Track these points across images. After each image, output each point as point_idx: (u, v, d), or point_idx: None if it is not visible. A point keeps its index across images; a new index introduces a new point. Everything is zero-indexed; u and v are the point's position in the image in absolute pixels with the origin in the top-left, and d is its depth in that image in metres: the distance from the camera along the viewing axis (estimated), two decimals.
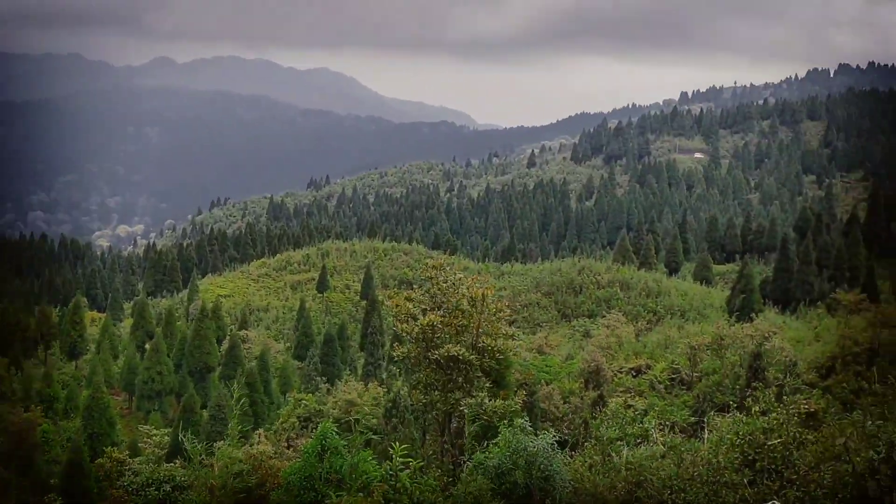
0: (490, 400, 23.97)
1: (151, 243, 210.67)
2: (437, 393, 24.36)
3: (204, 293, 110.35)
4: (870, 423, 14.41)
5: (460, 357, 23.64)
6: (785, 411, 15.90)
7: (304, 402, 41.71)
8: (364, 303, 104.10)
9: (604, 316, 70.88)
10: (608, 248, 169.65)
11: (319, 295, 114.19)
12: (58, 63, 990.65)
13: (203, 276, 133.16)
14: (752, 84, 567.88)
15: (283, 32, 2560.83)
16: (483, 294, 24.77)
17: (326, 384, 54.88)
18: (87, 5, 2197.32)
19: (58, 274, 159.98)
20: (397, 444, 17.99)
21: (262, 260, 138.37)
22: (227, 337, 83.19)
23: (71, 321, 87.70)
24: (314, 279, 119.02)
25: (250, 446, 23.15)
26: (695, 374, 37.80)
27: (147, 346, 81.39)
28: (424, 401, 25.25)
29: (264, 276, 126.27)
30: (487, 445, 18.92)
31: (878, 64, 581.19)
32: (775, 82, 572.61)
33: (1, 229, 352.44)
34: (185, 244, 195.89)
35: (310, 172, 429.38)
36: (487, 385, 25.64)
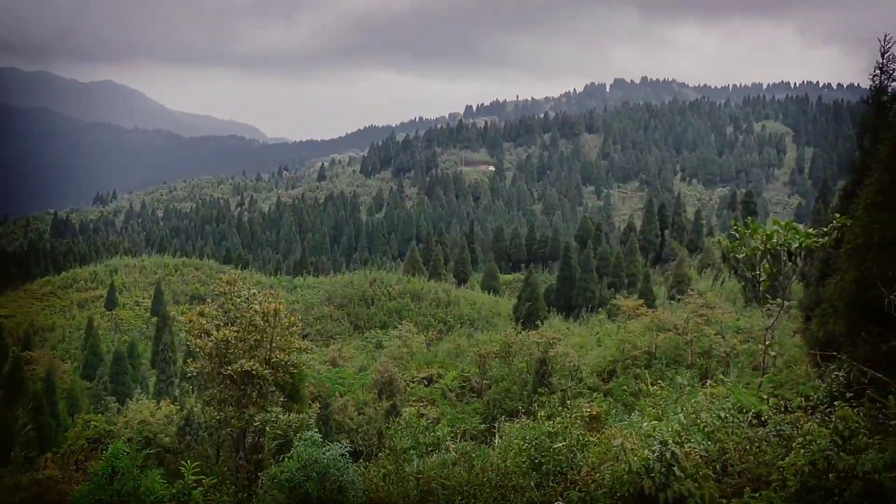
0: (285, 414, 23.94)
1: None
2: (231, 409, 24.10)
3: None
4: (645, 423, 15.25)
5: (254, 372, 23.50)
6: (569, 415, 16.61)
7: (93, 423, 40.16)
8: (155, 319, 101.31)
9: (396, 327, 71.39)
10: (399, 259, 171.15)
11: (108, 312, 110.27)
12: None
13: None
14: (533, 98, 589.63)
15: (66, 44, 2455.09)
16: (276, 309, 24.70)
17: (117, 404, 53.13)
18: None
19: None
20: (189, 461, 17.71)
21: (47, 278, 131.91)
22: (10, 358, 79.08)
23: None
24: (102, 297, 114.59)
25: (35, 472, 22.22)
26: (484, 382, 38.67)
27: None
28: (218, 417, 24.96)
29: (49, 294, 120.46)
30: (282, 459, 18.89)
31: (650, 79, 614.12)
32: (555, 96, 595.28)
33: None
34: None
35: (96, 187, 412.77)
36: (282, 399, 25.60)
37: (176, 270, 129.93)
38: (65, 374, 78.80)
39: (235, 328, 24.67)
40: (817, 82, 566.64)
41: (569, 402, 19.63)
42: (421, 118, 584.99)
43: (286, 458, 18.61)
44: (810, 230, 21.96)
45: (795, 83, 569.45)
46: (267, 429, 23.51)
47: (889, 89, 21.04)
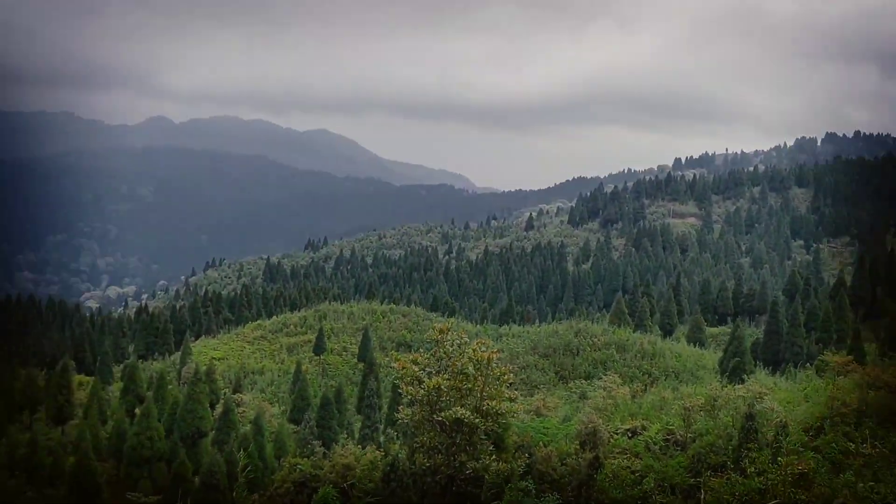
0: (495, 462, 24.18)
1: (143, 305, 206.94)
2: (440, 456, 24.43)
3: (197, 356, 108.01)
4: (861, 484, 14.89)
5: (465, 420, 23.75)
6: (780, 472, 16.32)
7: (299, 466, 41.15)
8: (361, 365, 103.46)
9: (600, 378, 70.74)
10: (604, 310, 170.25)
11: (316, 357, 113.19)
12: (50, 121, 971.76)
13: (196, 339, 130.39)
14: (742, 151, 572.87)
15: (286, 97, 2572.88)
16: (489, 358, 25.04)
17: (322, 448, 54.45)
18: (89, 66, 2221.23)
19: (45, 336, 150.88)
20: None
21: (258, 322, 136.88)
22: (221, 401, 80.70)
23: (58, 385, 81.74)
24: (311, 341, 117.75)
25: None
26: (689, 435, 38.08)
27: (137, 410, 77.05)
28: (428, 464, 25.27)
29: (260, 338, 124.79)
30: None
31: (863, 133, 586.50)
32: (765, 150, 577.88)
33: None
34: (178, 306, 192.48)
35: (307, 234, 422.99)
36: (490, 448, 25.83)
37: (383, 317, 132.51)
38: (273, 418, 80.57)
39: (447, 376, 25.10)
40: None
41: (780, 459, 19.30)
42: (629, 170, 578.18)
43: None
44: None
45: None
46: (486, 477, 23.68)
47: None
